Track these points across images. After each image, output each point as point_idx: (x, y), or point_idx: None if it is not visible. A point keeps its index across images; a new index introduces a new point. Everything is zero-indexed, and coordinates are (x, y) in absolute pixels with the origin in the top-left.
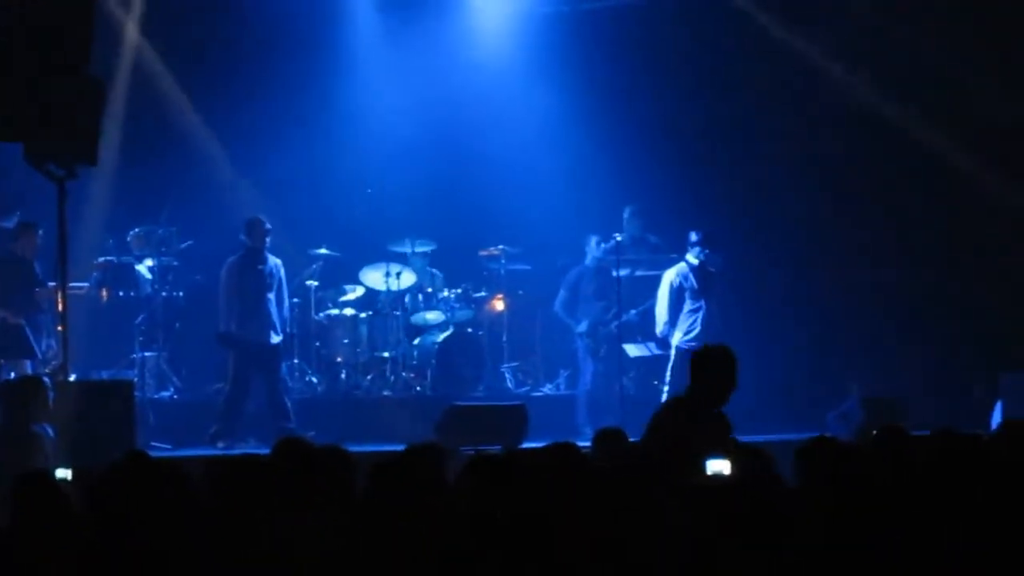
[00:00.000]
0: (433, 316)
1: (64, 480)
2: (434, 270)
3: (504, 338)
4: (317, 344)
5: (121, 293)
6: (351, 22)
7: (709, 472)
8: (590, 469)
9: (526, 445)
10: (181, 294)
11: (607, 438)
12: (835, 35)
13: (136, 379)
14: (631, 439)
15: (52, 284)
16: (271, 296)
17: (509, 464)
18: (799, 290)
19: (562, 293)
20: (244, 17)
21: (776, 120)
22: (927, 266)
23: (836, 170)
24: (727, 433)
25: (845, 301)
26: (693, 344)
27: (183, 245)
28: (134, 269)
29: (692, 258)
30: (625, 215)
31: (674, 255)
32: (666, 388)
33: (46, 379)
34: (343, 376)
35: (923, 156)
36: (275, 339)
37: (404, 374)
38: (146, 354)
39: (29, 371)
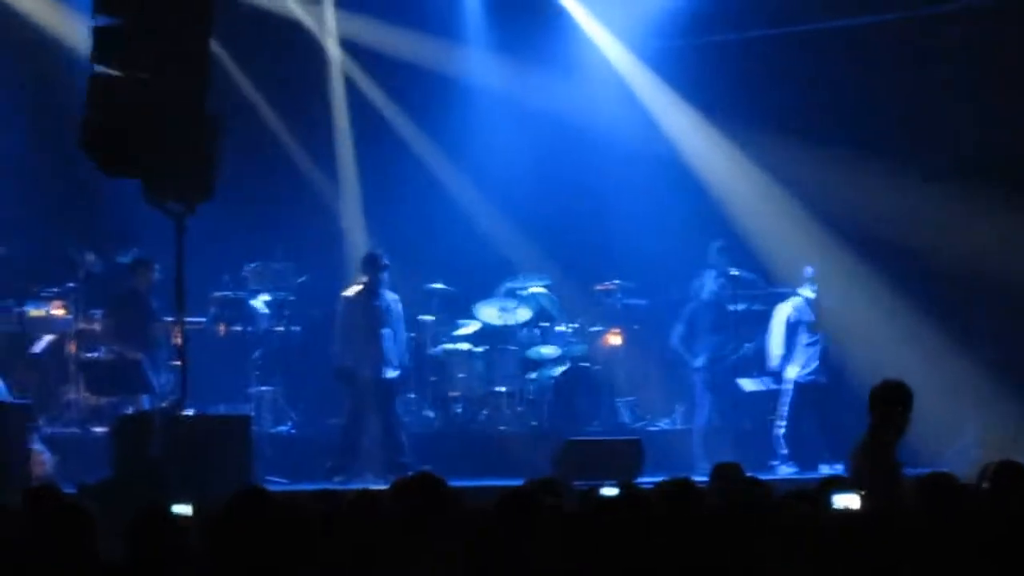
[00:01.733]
0: (549, 351)
1: (182, 515)
2: (552, 298)
3: (620, 372)
4: (433, 379)
5: (238, 328)
6: (467, 59)
7: (837, 507)
8: (706, 505)
9: (642, 480)
10: (297, 329)
11: (724, 473)
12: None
13: (253, 414)
14: (747, 474)
15: (169, 319)
16: (387, 331)
17: (625, 499)
18: (912, 322)
19: (679, 327)
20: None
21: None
22: None
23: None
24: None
25: (964, 334)
26: (812, 378)
27: (299, 280)
28: (250, 304)
29: (807, 292)
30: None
31: (782, 289)
32: (782, 423)
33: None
34: (459, 410)
35: None
36: (390, 374)
37: (520, 408)
38: (263, 388)
39: (146, 406)
